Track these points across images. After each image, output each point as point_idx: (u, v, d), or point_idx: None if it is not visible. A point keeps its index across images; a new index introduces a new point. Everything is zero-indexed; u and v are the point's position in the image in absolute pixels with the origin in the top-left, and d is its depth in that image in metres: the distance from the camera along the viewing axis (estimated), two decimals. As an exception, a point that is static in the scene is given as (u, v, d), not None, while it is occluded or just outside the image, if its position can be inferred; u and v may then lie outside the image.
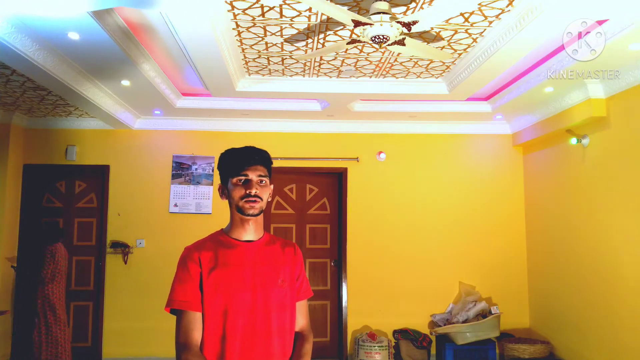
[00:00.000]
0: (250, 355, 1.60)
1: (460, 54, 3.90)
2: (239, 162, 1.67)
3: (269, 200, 1.74)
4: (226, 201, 1.72)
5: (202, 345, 1.58)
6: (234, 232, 1.69)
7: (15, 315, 5.34)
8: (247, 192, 1.64)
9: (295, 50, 3.83)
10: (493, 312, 5.18)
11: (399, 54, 3.89)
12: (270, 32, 3.46)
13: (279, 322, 1.66)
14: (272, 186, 1.75)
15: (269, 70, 4.35)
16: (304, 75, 4.51)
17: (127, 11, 3.14)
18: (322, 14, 3.11)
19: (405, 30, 2.84)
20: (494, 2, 2.96)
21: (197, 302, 1.59)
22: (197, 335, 1.57)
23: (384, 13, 2.77)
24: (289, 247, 1.79)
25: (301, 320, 1.78)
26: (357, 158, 5.77)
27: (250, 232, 1.70)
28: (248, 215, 1.65)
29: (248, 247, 1.68)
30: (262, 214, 1.70)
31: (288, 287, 1.71)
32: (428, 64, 4.18)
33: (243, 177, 1.66)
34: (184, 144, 5.72)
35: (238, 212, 1.67)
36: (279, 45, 3.74)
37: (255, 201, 1.65)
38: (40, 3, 2.81)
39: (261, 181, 1.68)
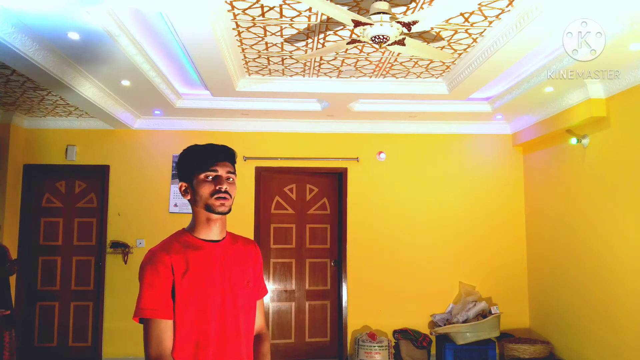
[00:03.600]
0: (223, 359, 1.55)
1: (460, 54, 3.90)
2: (207, 157, 1.58)
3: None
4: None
5: (173, 353, 1.48)
6: (199, 232, 1.60)
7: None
8: (217, 187, 1.55)
9: (295, 50, 3.83)
10: (493, 312, 5.18)
11: (399, 54, 3.89)
12: (270, 32, 3.46)
13: (246, 324, 1.62)
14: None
15: (269, 70, 4.35)
16: (304, 75, 4.51)
17: (128, 11, 3.14)
18: (322, 14, 3.11)
19: (405, 30, 2.84)
20: (494, 2, 2.96)
21: (169, 309, 1.48)
22: (169, 344, 1.48)
23: (384, 13, 2.77)
24: (250, 245, 1.72)
25: (260, 320, 1.73)
26: (357, 158, 5.77)
27: (216, 231, 1.61)
28: (218, 213, 1.56)
29: (214, 248, 1.59)
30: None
31: (253, 288, 1.66)
32: (428, 64, 4.18)
33: (212, 173, 1.57)
34: (184, 144, 5.62)
35: (207, 210, 1.56)
36: (279, 45, 3.74)
37: (225, 198, 1.55)
38: (41, 3, 2.81)
39: (229, 178, 1.59)
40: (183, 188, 1.62)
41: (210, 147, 1.62)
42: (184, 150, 1.65)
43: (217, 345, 1.53)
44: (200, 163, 1.57)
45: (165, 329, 1.48)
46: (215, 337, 1.53)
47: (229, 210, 1.58)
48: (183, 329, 1.50)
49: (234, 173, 1.61)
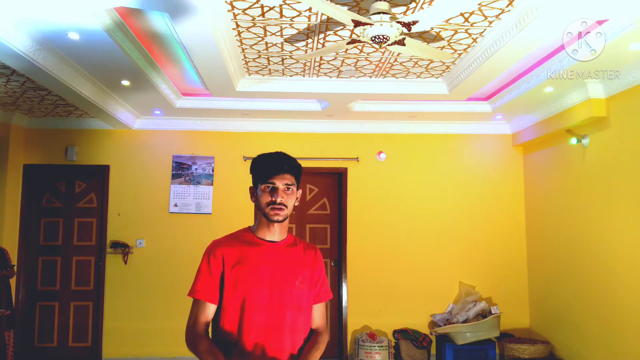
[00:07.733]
0: (263, 349, 1.68)
1: (460, 54, 3.90)
2: (268, 169, 1.75)
3: (296, 204, 1.82)
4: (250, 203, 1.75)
5: (223, 334, 1.69)
6: (260, 232, 1.79)
7: None
8: (273, 199, 1.73)
9: (295, 50, 3.83)
10: (493, 312, 5.18)
11: (399, 54, 3.89)
12: (270, 32, 3.46)
13: (292, 320, 1.73)
14: (300, 191, 1.83)
15: (269, 70, 4.35)
16: (304, 75, 4.51)
17: (127, 11, 3.14)
18: (322, 14, 3.11)
19: (405, 30, 2.84)
20: (494, 2, 2.96)
21: (209, 294, 1.70)
22: (203, 320, 1.69)
23: (384, 13, 2.77)
24: (311, 250, 1.87)
25: (318, 320, 1.87)
26: (357, 158, 5.77)
27: (275, 233, 1.79)
28: (272, 221, 1.75)
29: (270, 247, 1.77)
30: (287, 219, 1.79)
31: (305, 289, 1.78)
32: (428, 64, 4.18)
33: (270, 185, 1.74)
34: (184, 144, 5.72)
35: (264, 217, 1.76)
36: (279, 45, 3.74)
37: (280, 209, 1.73)
38: (41, 3, 2.81)
39: (288, 189, 1.75)
40: (251, 192, 1.84)
41: (274, 159, 1.77)
42: (254, 158, 1.82)
43: (260, 333, 1.69)
44: (262, 175, 1.76)
45: (203, 308, 1.70)
46: (258, 326, 1.68)
47: (284, 219, 1.76)
48: (230, 314, 1.69)
49: (293, 184, 1.77)
